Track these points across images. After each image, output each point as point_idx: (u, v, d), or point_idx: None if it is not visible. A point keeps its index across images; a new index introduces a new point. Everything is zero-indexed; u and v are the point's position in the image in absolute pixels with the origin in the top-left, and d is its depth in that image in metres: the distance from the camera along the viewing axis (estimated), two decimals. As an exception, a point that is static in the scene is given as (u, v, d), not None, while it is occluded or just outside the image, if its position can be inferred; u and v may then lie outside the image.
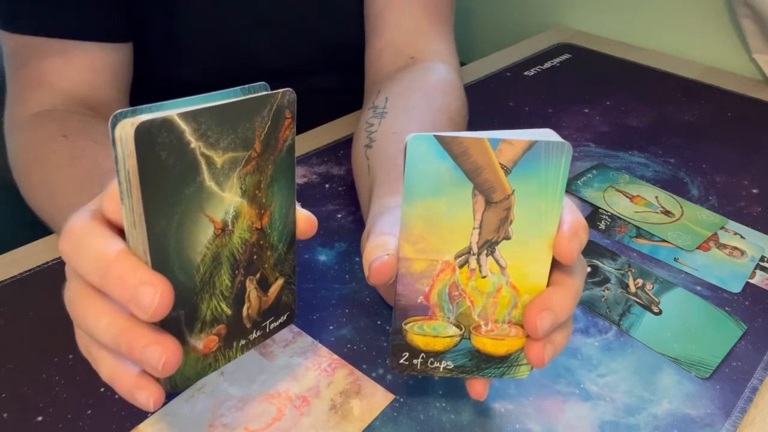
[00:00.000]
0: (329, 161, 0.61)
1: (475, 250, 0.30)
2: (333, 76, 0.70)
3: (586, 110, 0.73)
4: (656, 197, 0.58)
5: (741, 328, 0.44)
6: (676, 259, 0.50)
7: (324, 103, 0.71)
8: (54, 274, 0.46)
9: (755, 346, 0.43)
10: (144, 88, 0.60)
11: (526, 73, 0.83)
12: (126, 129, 0.25)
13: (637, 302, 0.46)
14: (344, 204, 0.55)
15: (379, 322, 0.43)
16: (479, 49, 1.16)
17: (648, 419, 0.37)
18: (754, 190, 0.59)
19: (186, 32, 0.59)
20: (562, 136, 0.33)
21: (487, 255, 0.31)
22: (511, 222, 0.30)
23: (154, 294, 0.26)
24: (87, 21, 0.52)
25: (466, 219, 0.30)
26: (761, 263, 0.50)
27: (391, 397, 0.38)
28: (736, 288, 0.48)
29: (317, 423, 0.36)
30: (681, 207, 0.56)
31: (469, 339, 0.33)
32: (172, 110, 0.26)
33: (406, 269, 0.31)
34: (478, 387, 0.34)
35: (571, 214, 0.30)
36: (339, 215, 0.53)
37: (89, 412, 0.37)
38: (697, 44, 0.88)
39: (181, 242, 0.28)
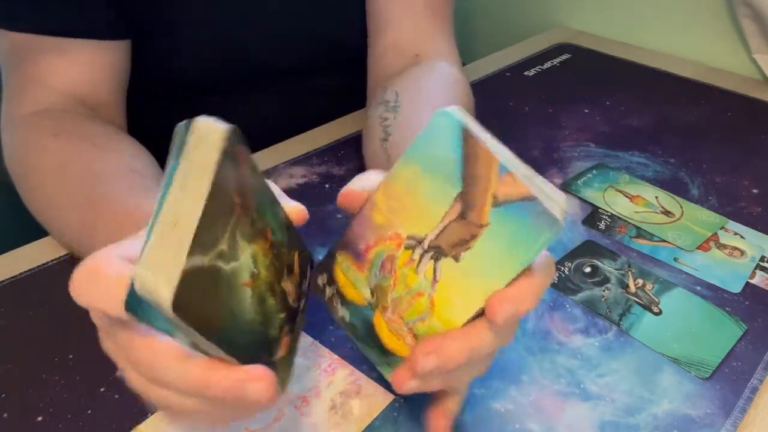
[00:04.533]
0: (329, 161, 0.61)
1: (425, 244, 0.29)
2: (333, 75, 0.70)
3: (586, 110, 0.73)
4: (656, 197, 0.58)
5: (741, 328, 0.44)
6: (676, 259, 0.50)
7: (324, 103, 0.70)
8: (54, 274, 0.46)
9: (755, 346, 0.43)
10: (143, 88, 0.60)
11: (526, 73, 0.83)
12: (211, 124, 0.25)
13: (637, 302, 0.46)
14: (344, 204, 0.55)
15: (379, 322, 0.43)
16: (479, 49, 1.16)
17: (648, 419, 0.37)
18: (754, 190, 0.59)
19: (185, 31, 0.58)
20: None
21: (431, 258, 0.29)
22: (468, 249, 0.28)
23: (264, 386, 0.26)
24: (85, 18, 0.52)
25: (437, 213, 0.29)
26: (761, 263, 0.50)
27: (391, 397, 0.38)
28: (736, 288, 0.48)
29: (317, 423, 0.36)
30: (681, 207, 0.57)
31: (373, 312, 0.32)
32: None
33: (368, 212, 0.31)
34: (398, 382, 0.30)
35: (535, 280, 0.28)
36: (339, 215, 0.53)
37: (89, 412, 0.37)
38: (697, 44, 0.88)
39: (233, 309, 0.27)
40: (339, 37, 0.66)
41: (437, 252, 0.29)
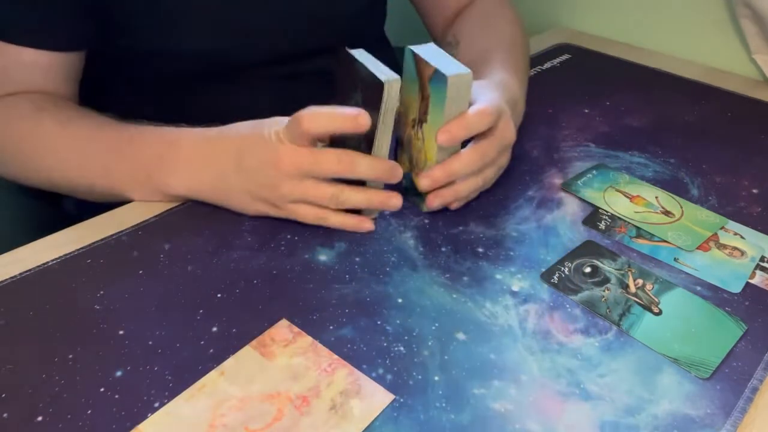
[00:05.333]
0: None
1: (418, 118, 0.51)
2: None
3: (586, 110, 0.73)
4: (656, 197, 0.58)
5: (741, 328, 0.44)
6: (676, 260, 0.50)
7: (328, 85, 0.70)
8: (54, 274, 0.46)
9: (755, 346, 0.43)
10: (143, 73, 0.60)
11: (526, 73, 0.83)
12: (392, 81, 0.46)
13: (637, 302, 0.46)
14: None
15: (379, 322, 0.43)
16: (479, 49, 1.16)
17: (648, 419, 0.37)
18: (754, 190, 0.59)
19: (186, 16, 0.58)
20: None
21: (420, 127, 0.51)
22: (426, 113, 0.50)
23: (397, 168, 0.50)
24: (45, 30, 0.53)
25: (415, 101, 0.51)
26: (761, 263, 0.50)
27: (391, 397, 0.38)
28: (736, 288, 0.48)
29: (317, 423, 0.36)
30: (681, 207, 0.56)
31: (411, 172, 0.54)
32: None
33: (401, 112, 0.53)
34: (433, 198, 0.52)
35: (461, 119, 0.49)
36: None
37: (89, 412, 0.37)
38: (697, 44, 0.88)
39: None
40: (341, 16, 0.67)
41: (420, 121, 0.51)
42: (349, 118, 0.46)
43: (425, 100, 0.49)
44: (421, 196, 0.52)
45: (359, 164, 0.48)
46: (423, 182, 0.50)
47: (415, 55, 0.50)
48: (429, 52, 0.50)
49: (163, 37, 0.58)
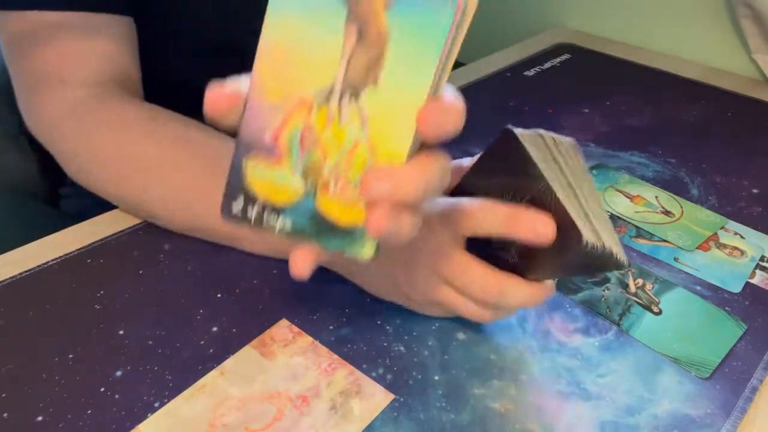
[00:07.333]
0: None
1: (338, 87, 0.26)
2: None
3: (586, 110, 0.73)
4: (656, 197, 0.58)
5: (741, 328, 0.44)
6: (676, 259, 0.50)
7: None
8: (54, 274, 0.46)
9: (755, 346, 0.43)
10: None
11: (526, 73, 0.83)
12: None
13: (637, 302, 0.46)
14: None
15: (379, 322, 0.43)
16: (479, 49, 1.16)
17: (648, 419, 0.37)
18: (754, 190, 0.59)
19: (184, 32, 0.58)
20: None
21: (350, 100, 0.26)
22: (381, 68, 0.26)
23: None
24: None
25: (334, 50, 0.26)
26: (761, 263, 0.50)
27: (391, 397, 0.38)
28: (736, 288, 0.48)
29: (317, 423, 0.36)
30: (681, 207, 0.56)
31: (314, 198, 0.28)
32: None
33: (257, 95, 0.27)
34: (300, 263, 0.30)
35: (452, 92, 0.27)
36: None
37: (89, 412, 0.37)
38: (697, 44, 0.88)
39: None
40: None
41: (353, 89, 0.26)
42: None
43: (370, 42, 0.25)
44: (349, 235, 0.29)
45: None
46: (380, 182, 0.27)
47: None
48: None
49: (163, 53, 0.57)
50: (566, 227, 0.32)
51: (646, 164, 0.63)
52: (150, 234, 0.50)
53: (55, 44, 0.49)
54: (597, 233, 0.33)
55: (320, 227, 0.29)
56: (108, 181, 0.49)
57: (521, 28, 1.07)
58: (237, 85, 0.27)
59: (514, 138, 0.32)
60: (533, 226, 0.32)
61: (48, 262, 0.47)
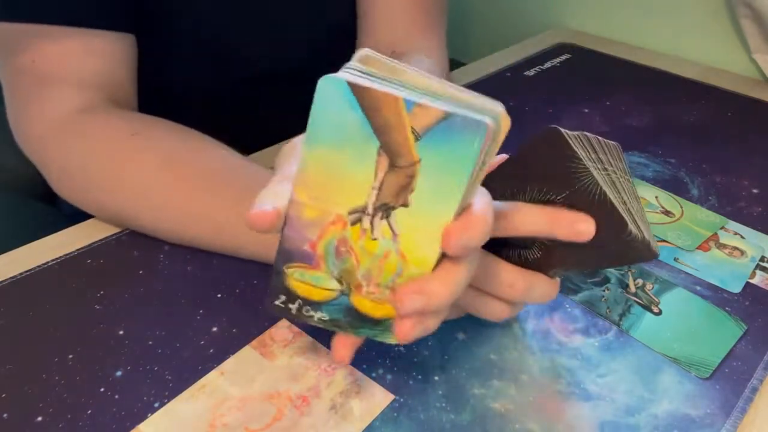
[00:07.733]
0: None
1: (370, 210, 0.29)
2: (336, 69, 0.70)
3: (586, 110, 0.73)
4: (656, 197, 0.58)
5: (741, 328, 0.44)
6: (676, 259, 0.50)
7: None
8: (54, 274, 0.46)
9: (755, 346, 0.43)
10: (139, 97, 0.59)
11: (526, 73, 0.83)
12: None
13: (637, 302, 0.46)
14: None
15: (379, 322, 0.43)
16: (479, 49, 1.16)
17: (648, 419, 0.37)
18: (754, 190, 0.59)
19: (182, 39, 0.58)
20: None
21: (381, 218, 0.29)
22: (412, 191, 0.28)
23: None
24: (102, 9, 0.49)
25: (366, 177, 0.28)
26: (761, 263, 0.50)
27: (391, 397, 0.38)
28: (736, 288, 0.48)
29: (317, 423, 0.36)
30: (681, 207, 0.56)
31: (348, 296, 0.32)
32: None
33: (296, 213, 0.30)
34: (342, 351, 0.34)
35: (480, 205, 0.29)
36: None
37: (89, 412, 0.37)
38: (697, 44, 0.88)
39: None
40: (336, 40, 0.66)
41: (385, 209, 0.29)
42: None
43: (401, 170, 0.28)
44: (379, 326, 0.33)
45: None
46: (412, 300, 0.30)
47: (359, 90, 0.26)
48: (384, 82, 0.28)
49: (160, 60, 0.57)
50: (610, 218, 0.32)
51: (646, 164, 0.63)
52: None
53: (48, 59, 0.49)
54: (637, 225, 0.33)
55: (354, 319, 0.33)
56: (95, 201, 0.49)
57: (521, 28, 1.07)
58: (276, 201, 0.30)
59: (560, 135, 0.33)
60: (575, 226, 0.33)
61: (48, 262, 0.47)
